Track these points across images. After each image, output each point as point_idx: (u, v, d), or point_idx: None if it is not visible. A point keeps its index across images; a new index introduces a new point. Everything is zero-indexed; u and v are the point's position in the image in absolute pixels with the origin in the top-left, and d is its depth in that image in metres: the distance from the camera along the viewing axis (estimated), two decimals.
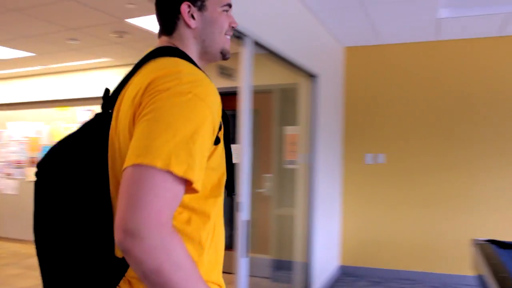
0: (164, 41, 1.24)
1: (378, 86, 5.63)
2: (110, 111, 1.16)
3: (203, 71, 1.13)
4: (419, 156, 5.42)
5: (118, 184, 1.01)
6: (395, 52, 5.57)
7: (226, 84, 4.49)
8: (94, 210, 1.09)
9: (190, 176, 0.95)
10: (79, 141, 1.14)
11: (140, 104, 1.01)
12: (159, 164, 0.92)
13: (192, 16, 1.21)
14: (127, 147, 0.99)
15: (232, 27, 1.29)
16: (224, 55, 1.29)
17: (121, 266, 1.06)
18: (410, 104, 5.48)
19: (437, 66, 5.39)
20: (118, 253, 1.07)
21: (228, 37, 1.29)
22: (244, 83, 3.10)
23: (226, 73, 4.73)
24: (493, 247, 2.97)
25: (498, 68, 5.17)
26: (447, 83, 5.35)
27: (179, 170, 0.93)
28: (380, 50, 5.63)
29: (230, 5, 1.27)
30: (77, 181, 1.09)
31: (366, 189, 5.61)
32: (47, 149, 1.16)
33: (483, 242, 3.09)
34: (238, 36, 3.07)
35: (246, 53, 3.09)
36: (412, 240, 5.39)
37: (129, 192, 0.91)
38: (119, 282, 1.07)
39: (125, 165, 0.95)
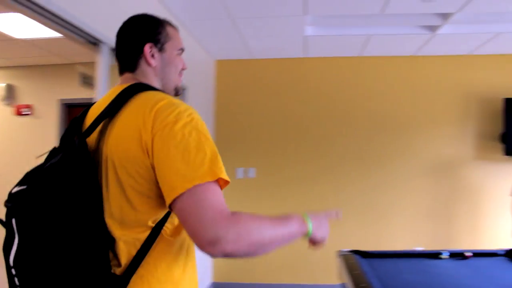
0: (129, 78, 1.39)
1: (249, 100, 5.66)
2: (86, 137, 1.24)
3: None
4: (288, 169, 5.53)
5: (118, 202, 1.19)
6: (266, 67, 5.66)
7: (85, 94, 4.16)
8: (91, 230, 1.13)
9: (227, 178, 1.16)
10: (62, 167, 1.15)
11: (153, 135, 1.15)
12: (209, 178, 1.10)
13: (153, 56, 1.38)
14: (132, 166, 1.16)
15: (183, 69, 1.47)
16: (177, 91, 1.47)
17: (120, 282, 1.17)
18: (279, 118, 5.58)
19: (305, 81, 5.58)
20: (116, 271, 1.18)
21: (181, 76, 1.48)
22: (100, 93, 2.83)
23: (88, 82, 4.38)
24: (356, 257, 3.04)
25: (359, 85, 5.50)
26: (314, 98, 5.55)
27: (223, 176, 1.14)
28: (251, 64, 5.68)
29: (183, 49, 1.48)
30: (71, 206, 1.12)
31: (238, 204, 5.56)
32: (22, 179, 1.20)
33: (347, 253, 3.15)
34: (94, 42, 2.81)
35: (102, 61, 2.85)
36: (284, 253, 5.44)
37: (194, 214, 1.07)
38: None
39: (178, 192, 1.09)
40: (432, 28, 4.53)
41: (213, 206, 1.08)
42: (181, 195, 1.08)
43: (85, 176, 1.14)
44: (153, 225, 1.21)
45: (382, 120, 5.45)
